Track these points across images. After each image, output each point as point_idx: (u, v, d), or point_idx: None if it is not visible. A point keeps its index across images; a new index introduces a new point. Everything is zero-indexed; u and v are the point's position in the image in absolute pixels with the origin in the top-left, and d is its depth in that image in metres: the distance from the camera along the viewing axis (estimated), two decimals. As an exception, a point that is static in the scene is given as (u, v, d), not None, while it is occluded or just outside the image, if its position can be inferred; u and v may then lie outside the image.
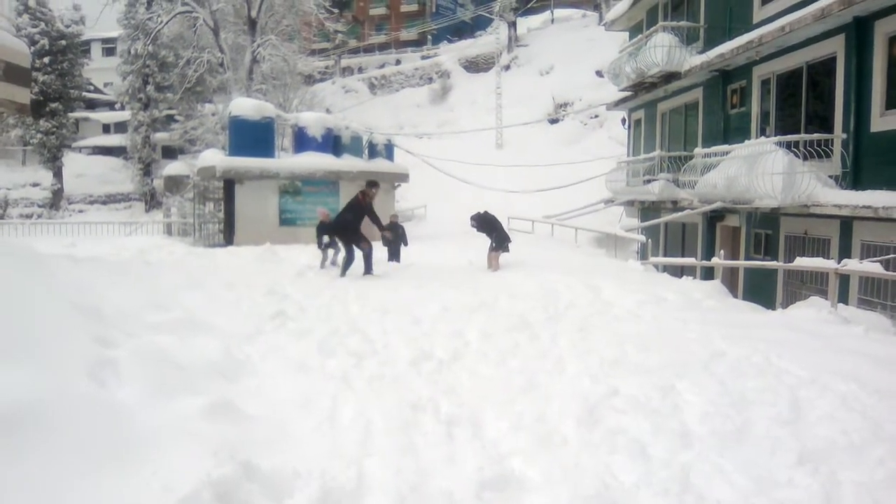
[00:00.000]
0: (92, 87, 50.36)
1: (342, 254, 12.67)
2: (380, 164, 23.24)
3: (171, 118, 40.61)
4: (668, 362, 6.15)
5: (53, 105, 37.87)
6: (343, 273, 12.07)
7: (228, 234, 19.95)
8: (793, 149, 12.22)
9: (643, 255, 17.59)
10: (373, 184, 13.03)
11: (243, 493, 3.36)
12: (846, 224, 11.74)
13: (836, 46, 12.12)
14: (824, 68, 12.60)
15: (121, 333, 5.60)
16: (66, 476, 3.24)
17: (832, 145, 12.03)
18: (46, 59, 37.13)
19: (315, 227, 14.16)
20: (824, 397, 5.06)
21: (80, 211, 38.71)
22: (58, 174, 39.40)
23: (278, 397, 5.22)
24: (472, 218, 13.94)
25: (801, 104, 13.32)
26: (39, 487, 3.09)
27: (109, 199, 41.34)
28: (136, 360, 4.92)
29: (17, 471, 3.09)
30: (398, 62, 59.91)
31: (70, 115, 40.84)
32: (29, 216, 34.93)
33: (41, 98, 35.98)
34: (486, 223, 13.83)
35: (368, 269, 12.16)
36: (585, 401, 5.12)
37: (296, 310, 8.52)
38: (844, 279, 10.39)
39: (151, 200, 40.12)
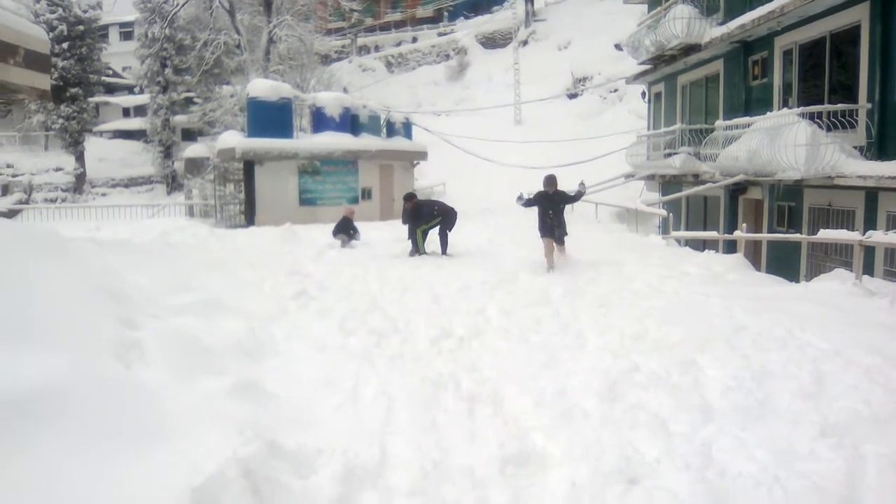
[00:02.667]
0: (111, 72, 50.58)
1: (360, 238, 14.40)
2: (398, 143, 23.21)
3: (189, 101, 40.75)
4: (689, 337, 6.13)
5: (73, 90, 38.09)
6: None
7: (249, 215, 20.09)
8: (816, 120, 12.01)
9: (664, 229, 17.46)
10: (407, 197, 13.54)
11: (269, 471, 3.42)
12: (871, 195, 11.55)
13: (860, 15, 11.85)
14: (848, 37, 12.33)
15: (145, 315, 5.69)
16: (96, 456, 3.31)
17: (856, 115, 11.80)
18: (65, 45, 37.29)
19: (339, 224, 14.58)
20: (847, 370, 5.03)
21: (103, 194, 39.09)
22: (80, 158, 39.75)
23: (301, 376, 5.29)
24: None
25: (824, 74, 13.07)
26: (69, 467, 3.15)
27: (131, 182, 41.70)
28: (161, 341, 4.99)
29: (46, 451, 3.16)
30: (415, 40, 59.47)
31: (90, 99, 41.05)
32: (53, 200, 35.33)
33: (61, 83, 36.21)
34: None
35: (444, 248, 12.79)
36: (606, 376, 5.13)
37: (317, 289, 8.58)
38: (869, 251, 10.24)
39: (172, 183, 40.40)
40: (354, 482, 3.54)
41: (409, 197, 13.47)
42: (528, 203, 10.85)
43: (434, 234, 12.91)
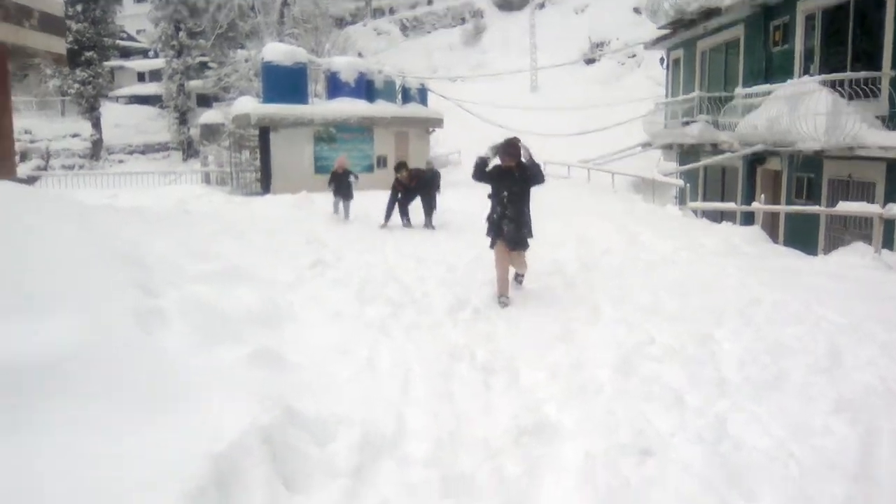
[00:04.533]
0: (125, 35, 50.43)
1: (351, 202, 13.30)
2: (413, 109, 23.08)
3: (204, 65, 40.61)
4: (704, 309, 6.14)
5: (88, 54, 38.04)
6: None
7: (265, 183, 20.12)
8: (838, 88, 11.81)
9: (681, 199, 17.33)
10: (399, 167, 13.07)
11: (288, 438, 3.48)
12: (892, 167, 11.39)
13: (887, -22, 11.58)
14: (873, 2, 12.05)
15: (165, 283, 5.75)
16: (117, 421, 3.37)
17: (879, 84, 11.59)
18: (79, 7, 37.16)
19: (331, 178, 13.53)
20: (863, 345, 5.02)
21: (120, 161, 39.25)
22: (96, 124, 39.84)
23: (319, 345, 5.35)
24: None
25: (847, 41, 12.80)
26: (90, 432, 3.21)
27: (148, 149, 41.79)
28: (181, 308, 5.06)
29: (67, 416, 3.23)
30: (430, 2, 58.71)
31: (105, 63, 41.04)
32: (71, 167, 35.50)
33: (76, 47, 36.12)
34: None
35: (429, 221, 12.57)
36: (620, 349, 5.16)
37: (334, 258, 8.63)
38: (889, 224, 10.14)
39: (189, 149, 40.47)
40: (372, 451, 3.60)
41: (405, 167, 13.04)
42: (480, 173, 7.09)
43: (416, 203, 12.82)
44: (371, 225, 12.12)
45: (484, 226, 7.23)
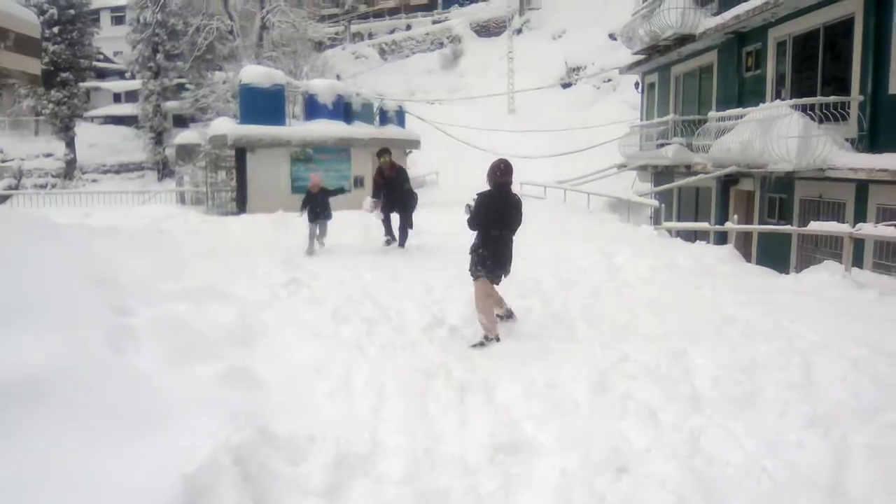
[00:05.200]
0: (102, 57, 50.14)
1: (329, 223, 11.41)
2: (391, 131, 23.13)
3: (181, 87, 40.39)
4: (679, 327, 6.17)
5: (64, 75, 37.73)
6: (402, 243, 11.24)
7: (241, 202, 20.00)
8: (808, 112, 12.05)
9: (656, 219, 17.51)
10: (381, 152, 11.43)
11: (261, 457, 3.44)
12: (862, 187, 11.61)
13: (854, 7, 11.87)
14: (842, 29, 12.35)
15: (137, 302, 5.68)
16: (89, 441, 3.31)
17: (849, 108, 11.85)
18: (56, 29, 36.88)
19: (305, 199, 11.38)
20: (836, 362, 5.07)
21: (94, 180, 38.79)
22: (70, 144, 39.44)
23: (293, 364, 5.30)
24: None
25: (817, 66, 13.10)
26: (62, 452, 3.16)
27: (122, 168, 41.39)
28: (154, 327, 5.00)
29: (37, 437, 3.16)
30: (409, 27, 59.19)
31: (81, 84, 40.69)
32: (43, 186, 35.03)
33: (52, 68, 35.84)
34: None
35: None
36: (596, 366, 5.16)
37: (309, 277, 8.58)
38: (859, 243, 10.30)
39: (164, 169, 40.13)
40: (346, 469, 3.57)
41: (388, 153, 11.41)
42: (474, 219, 6.36)
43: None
44: (345, 245, 12.01)
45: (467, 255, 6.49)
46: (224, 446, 3.33)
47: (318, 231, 11.22)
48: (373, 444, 3.91)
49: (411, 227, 11.39)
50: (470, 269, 6.36)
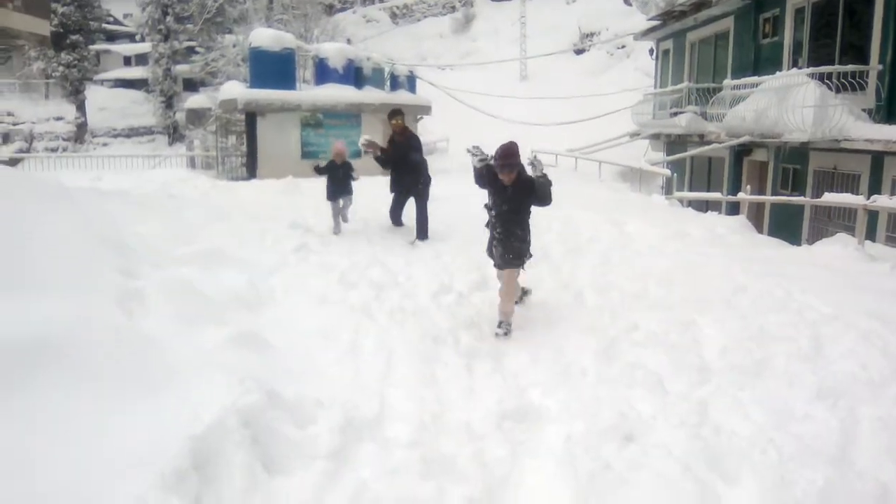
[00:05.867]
0: (111, 19, 49.80)
1: (351, 203, 9.79)
2: (402, 96, 22.93)
3: (191, 50, 40.20)
4: (689, 297, 6.15)
5: (74, 37, 37.57)
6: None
7: (251, 168, 19.97)
8: (826, 81, 11.86)
9: (668, 189, 17.38)
10: (393, 114, 9.80)
11: (268, 420, 3.45)
12: (877, 159, 11.47)
13: (876, -28, 11.62)
14: (863, -4, 12.10)
15: (146, 265, 5.69)
16: (96, 403, 3.34)
17: (867, 77, 11.65)
18: (65, -10, 36.70)
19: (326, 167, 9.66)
20: (846, 334, 5.04)
21: (104, 144, 38.82)
22: (81, 108, 39.41)
23: (302, 329, 5.31)
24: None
25: (836, 34, 12.85)
26: (70, 415, 3.18)
27: (133, 133, 41.37)
28: (163, 291, 5.00)
29: (47, 399, 3.19)
30: (420, -10, 58.46)
31: (91, 47, 40.55)
32: (54, 150, 35.07)
33: (61, 30, 35.67)
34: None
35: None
36: (605, 335, 5.16)
37: (318, 243, 8.58)
38: (873, 216, 10.21)
39: (174, 133, 40.10)
40: (353, 433, 3.58)
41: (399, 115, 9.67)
42: (479, 176, 5.81)
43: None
44: (357, 212, 11.96)
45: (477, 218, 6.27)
46: (232, 409, 3.34)
47: (341, 206, 9.67)
48: (380, 408, 3.93)
49: (426, 220, 9.38)
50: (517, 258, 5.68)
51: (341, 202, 9.67)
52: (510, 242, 5.62)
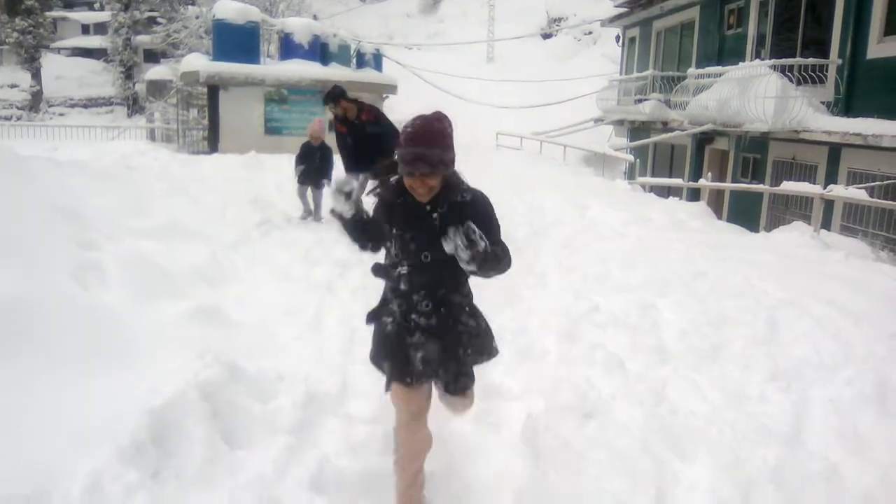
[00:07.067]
0: (69, -15, 48.40)
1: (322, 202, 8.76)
2: (368, 75, 22.73)
3: (153, 20, 39.20)
4: (649, 280, 6.23)
5: (29, 2, 36.36)
6: None
7: (213, 142, 19.63)
8: (787, 73, 12.07)
9: (630, 174, 17.55)
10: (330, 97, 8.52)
11: (229, 394, 3.42)
12: (834, 151, 11.73)
13: (837, -31, 11.83)
14: (825, -9, 12.31)
15: (104, 238, 5.56)
16: (54, 377, 3.27)
17: (827, 71, 11.88)
18: (21, -47, 35.49)
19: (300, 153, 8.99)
20: (800, 319, 5.16)
21: (61, 114, 37.79)
22: (36, 76, 38.26)
23: (263, 304, 5.26)
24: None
25: (798, 28, 13.09)
26: (27, 388, 3.11)
27: (90, 103, 40.35)
28: (120, 264, 4.91)
29: (1, 371, 3.11)
30: (389, -32, 57.75)
31: (47, 13, 39.31)
32: (8, 118, 34.06)
33: (16, -6, 34.57)
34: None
35: None
36: (567, 316, 5.20)
37: (281, 219, 8.49)
38: (829, 205, 10.46)
39: (134, 105, 39.21)
40: (315, 408, 3.57)
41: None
42: (363, 230, 2.90)
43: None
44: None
45: None
46: (192, 382, 3.30)
47: (311, 197, 8.93)
48: (343, 385, 3.92)
49: None
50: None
51: (310, 193, 8.84)
52: (452, 330, 2.92)
